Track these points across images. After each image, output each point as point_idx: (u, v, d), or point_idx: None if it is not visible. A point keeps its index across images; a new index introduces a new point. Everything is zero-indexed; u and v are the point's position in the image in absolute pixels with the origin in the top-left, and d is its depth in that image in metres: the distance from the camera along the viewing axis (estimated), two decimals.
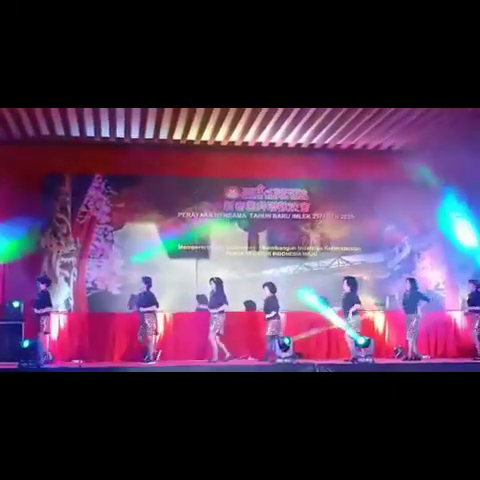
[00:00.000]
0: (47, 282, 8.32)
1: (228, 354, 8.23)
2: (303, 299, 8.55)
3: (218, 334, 8.27)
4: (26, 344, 7.57)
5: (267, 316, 8.44)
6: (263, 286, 8.60)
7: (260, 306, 8.75)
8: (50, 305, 8.17)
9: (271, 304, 8.47)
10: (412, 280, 8.85)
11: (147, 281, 8.43)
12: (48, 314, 8.13)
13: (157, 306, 8.31)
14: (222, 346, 8.27)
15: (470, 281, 8.89)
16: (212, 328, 8.28)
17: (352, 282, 8.56)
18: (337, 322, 8.45)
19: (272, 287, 8.56)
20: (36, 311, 8.01)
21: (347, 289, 8.52)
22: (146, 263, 9.06)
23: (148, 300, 8.31)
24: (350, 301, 8.43)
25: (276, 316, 8.43)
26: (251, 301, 9.07)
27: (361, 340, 8.15)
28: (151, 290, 8.41)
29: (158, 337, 8.39)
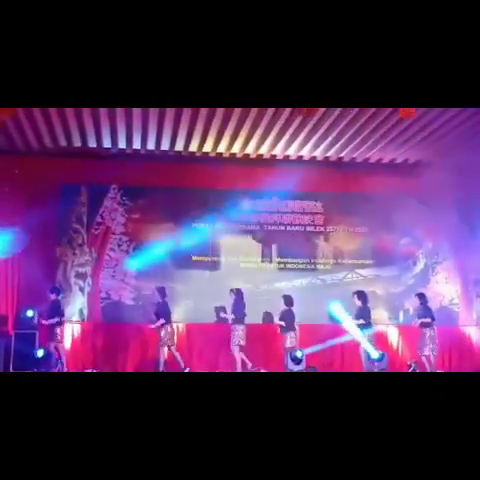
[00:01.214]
0: (57, 291, 8.37)
1: (250, 364, 8.23)
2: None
3: (239, 345, 8.27)
4: (40, 353, 7.64)
5: (285, 329, 8.44)
6: (282, 297, 8.63)
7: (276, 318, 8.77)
8: (60, 314, 8.23)
9: (288, 317, 8.46)
10: (421, 295, 8.80)
11: (160, 291, 8.47)
12: (60, 323, 8.17)
13: (165, 319, 8.30)
14: (243, 357, 8.27)
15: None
16: (233, 340, 8.29)
17: (362, 296, 8.54)
18: (356, 335, 8.37)
19: (288, 300, 8.55)
20: (45, 322, 8.08)
21: (358, 303, 8.50)
22: (159, 274, 9.12)
23: (160, 311, 8.35)
24: (363, 315, 8.40)
25: (293, 329, 8.42)
26: (269, 313, 9.06)
27: (375, 354, 8.11)
28: (166, 300, 8.45)
29: (173, 348, 8.39)
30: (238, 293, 8.48)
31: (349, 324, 8.37)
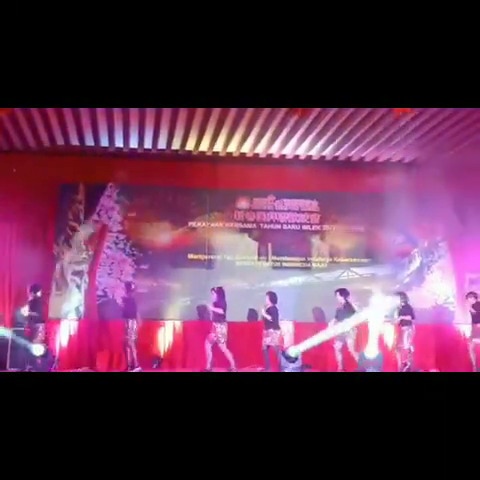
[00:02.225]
0: (35, 289, 8.16)
1: (233, 366, 8.22)
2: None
3: (217, 342, 8.26)
4: (40, 351, 7.54)
5: (269, 326, 8.41)
6: (266, 294, 8.61)
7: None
8: (39, 311, 8.07)
9: (271, 314, 8.47)
10: (402, 294, 8.84)
11: (126, 286, 8.52)
12: (40, 321, 8.00)
13: (128, 315, 8.28)
14: (229, 355, 8.27)
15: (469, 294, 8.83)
16: (211, 337, 8.30)
17: (344, 293, 8.58)
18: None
19: (272, 297, 8.56)
20: (30, 313, 7.95)
21: (342, 301, 8.53)
22: (156, 272, 9.18)
23: (124, 307, 8.39)
24: (347, 312, 8.44)
25: (276, 327, 8.40)
26: (254, 310, 9.08)
27: (371, 353, 8.11)
28: (132, 295, 8.43)
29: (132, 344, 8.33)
30: (218, 291, 8.49)
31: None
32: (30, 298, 8.09)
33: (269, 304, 8.48)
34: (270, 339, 8.33)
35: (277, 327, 8.41)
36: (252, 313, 9.18)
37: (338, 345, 8.43)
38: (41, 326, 7.99)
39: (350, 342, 8.32)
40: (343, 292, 8.58)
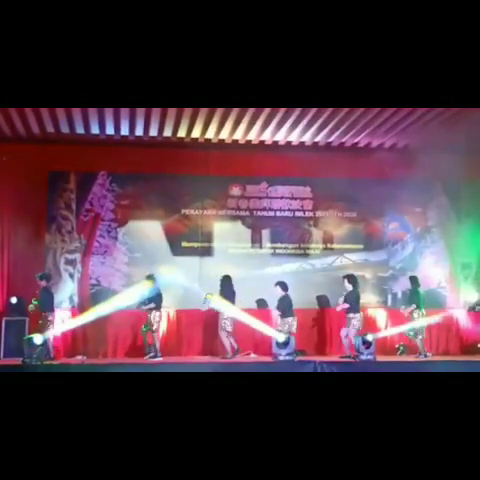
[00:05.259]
0: (47, 278, 8.23)
1: (236, 346, 8.34)
2: None
3: (226, 331, 8.33)
4: (38, 341, 7.45)
5: (281, 315, 8.44)
6: (275, 285, 8.60)
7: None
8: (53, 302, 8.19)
9: (284, 303, 8.47)
10: (414, 278, 8.90)
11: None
12: (50, 310, 8.08)
13: (155, 304, 8.34)
14: (232, 341, 8.35)
15: None
16: (221, 326, 8.35)
17: (353, 280, 8.61)
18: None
19: (283, 286, 8.57)
20: (53, 315, 8.01)
21: (349, 287, 8.55)
22: (149, 260, 9.15)
23: (150, 297, 8.37)
24: (351, 299, 8.46)
25: (290, 314, 8.41)
26: (262, 299, 9.12)
27: (370, 337, 8.16)
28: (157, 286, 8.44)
29: (159, 334, 8.40)
30: (222, 280, 8.50)
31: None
32: (42, 288, 8.05)
33: (281, 293, 8.49)
34: (283, 327, 8.32)
35: (291, 315, 8.40)
36: (261, 302, 9.21)
37: (344, 332, 8.47)
38: (51, 315, 8.00)
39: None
40: (351, 279, 8.64)
